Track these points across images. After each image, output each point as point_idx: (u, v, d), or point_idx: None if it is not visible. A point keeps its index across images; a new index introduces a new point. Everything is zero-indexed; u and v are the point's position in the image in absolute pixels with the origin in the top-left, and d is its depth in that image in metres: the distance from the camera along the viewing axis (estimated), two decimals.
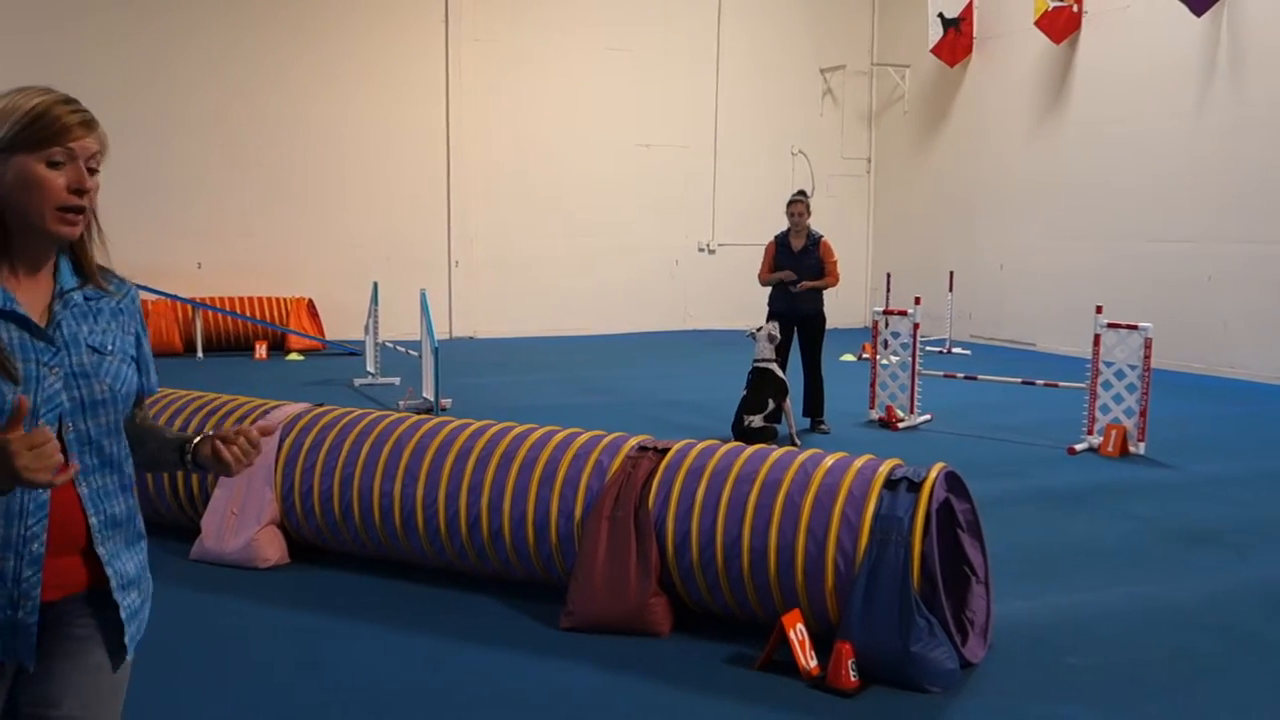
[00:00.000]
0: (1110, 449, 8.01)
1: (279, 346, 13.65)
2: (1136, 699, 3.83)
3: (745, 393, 8.22)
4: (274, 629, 4.40)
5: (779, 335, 8.46)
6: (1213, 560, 5.50)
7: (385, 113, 15.18)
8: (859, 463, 4.24)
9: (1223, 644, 4.35)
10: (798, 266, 8.82)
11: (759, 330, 8.41)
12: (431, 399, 9.14)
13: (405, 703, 3.72)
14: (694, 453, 4.50)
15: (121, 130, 13.41)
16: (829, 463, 4.26)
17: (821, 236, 8.92)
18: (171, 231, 14.02)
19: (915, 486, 4.01)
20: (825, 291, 8.96)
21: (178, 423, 5.50)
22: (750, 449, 4.49)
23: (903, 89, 17.73)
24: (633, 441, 4.69)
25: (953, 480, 4.23)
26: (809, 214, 8.88)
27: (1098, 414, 8.28)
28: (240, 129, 14.43)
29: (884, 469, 4.15)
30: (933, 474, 4.05)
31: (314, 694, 3.78)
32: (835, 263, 8.89)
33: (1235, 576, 5.23)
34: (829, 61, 17.91)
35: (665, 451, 4.54)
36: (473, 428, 4.97)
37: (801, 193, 9.04)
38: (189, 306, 13.13)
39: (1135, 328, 8.09)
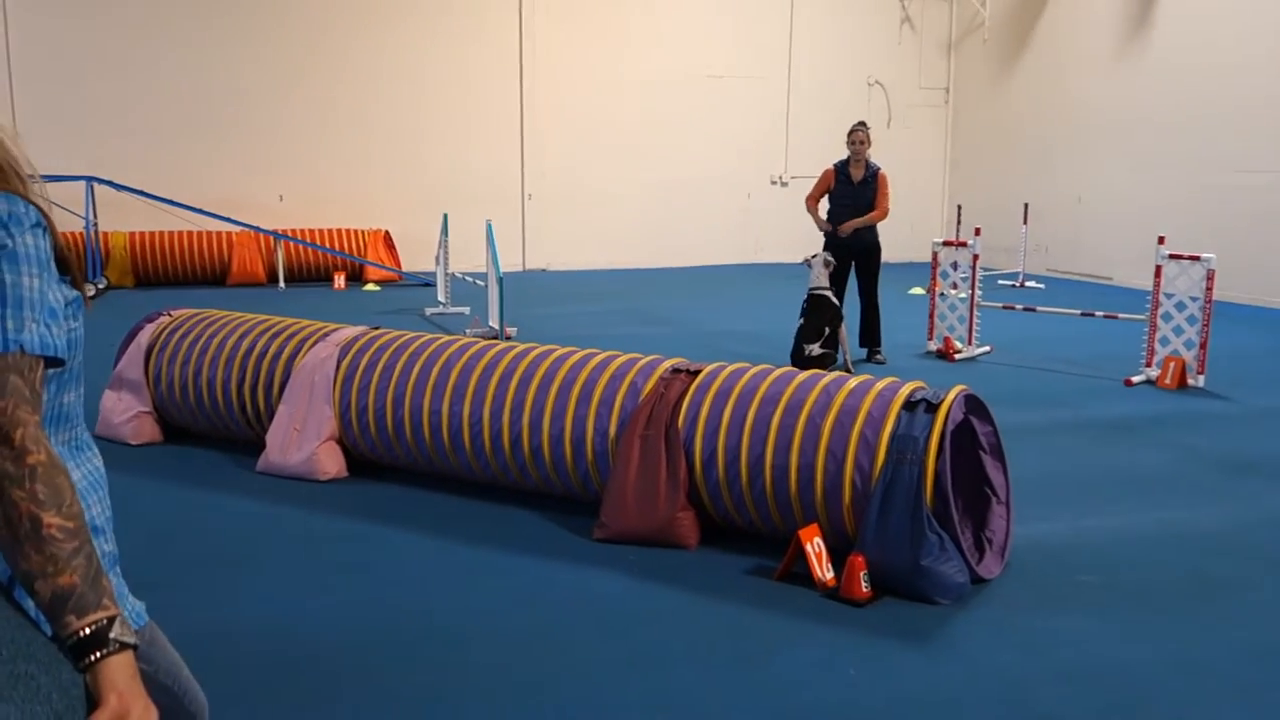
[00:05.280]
0: (1168, 381, 7.97)
1: (357, 277, 14.08)
2: (1143, 613, 3.93)
3: (802, 321, 8.32)
4: (332, 535, 4.72)
5: (834, 261, 8.52)
6: (1250, 489, 5.51)
7: (461, 47, 15.38)
8: (880, 385, 4.37)
9: (1241, 567, 4.42)
10: (855, 198, 8.82)
11: (814, 257, 8.47)
12: (497, 327, 9.42)
13: (446, 601, 4.01)
14: (723, 375, 4.67)
15: (205, 68, 13.90)
16: (851, 385, 4.40)
17: (880, 169, 8.86)
18: (254, 165, 14.50)
19: (933, 408, 4.13)
20: (884, 223, 8.95)
21: (245, 344, 5.82)
22: (776, 371, 4.65)
23: (983, 16, 17.32)
24: (667, 364, 4.88)
25: (973, 403, 4.34)
26: (869, 144, 8.84)
27: (1157, 346, 8.23)
28: (320, 66, 14.76)
29: (904, 391, 4.28)
30: (950, 396, 4.17)
31: (365, 591, 4.09)
32: (887, 195, 8.83)
33: (1269, 505, 5.25)
34: None
35: (696, 374, 4.73)
36: (516, 350, 5.20)
37: (862, 123, 8.96)
38: (270, 238, 13.59)
39: (1197, 259, 7.98)
